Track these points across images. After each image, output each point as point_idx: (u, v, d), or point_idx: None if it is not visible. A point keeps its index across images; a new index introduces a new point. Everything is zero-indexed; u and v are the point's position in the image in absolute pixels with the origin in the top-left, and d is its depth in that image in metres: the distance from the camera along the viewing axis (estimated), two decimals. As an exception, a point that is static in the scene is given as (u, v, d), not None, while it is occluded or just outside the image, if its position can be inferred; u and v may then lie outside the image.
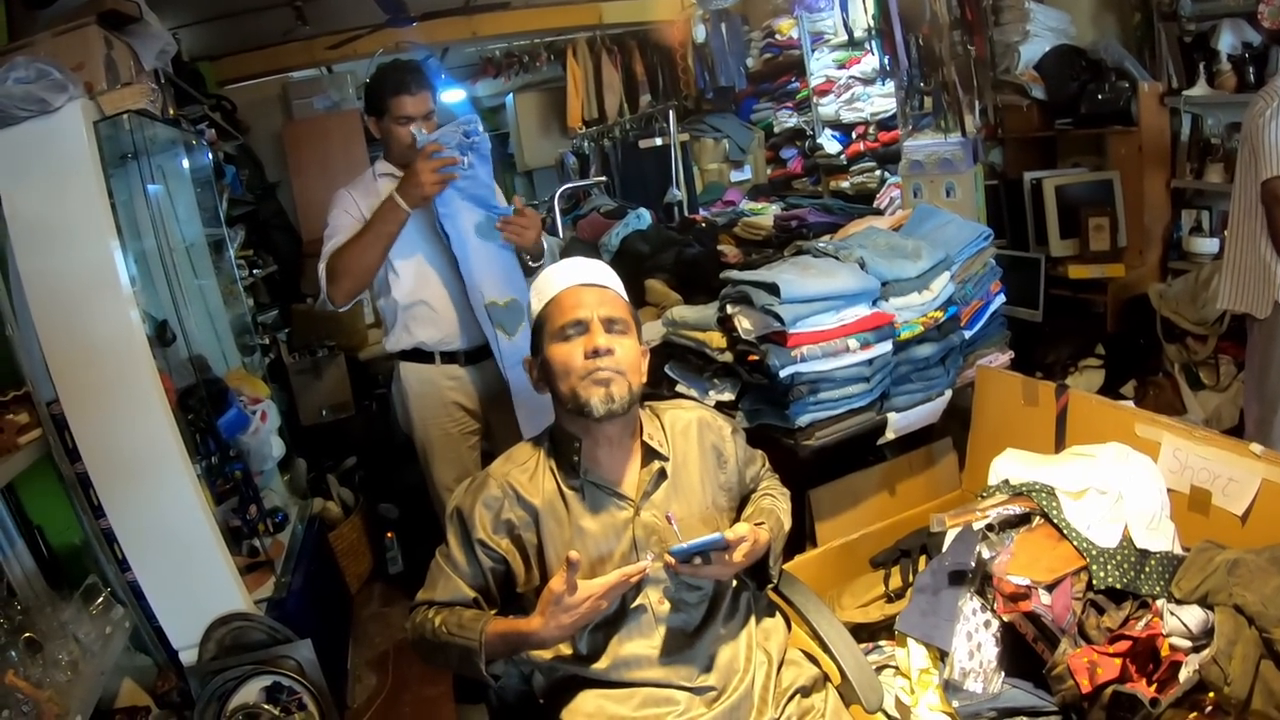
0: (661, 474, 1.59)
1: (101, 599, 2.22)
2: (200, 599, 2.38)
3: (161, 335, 2.53)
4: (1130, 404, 2.28)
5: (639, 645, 1.51)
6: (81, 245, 2.15)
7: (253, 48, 5.21)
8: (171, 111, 2.92)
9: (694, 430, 1.67)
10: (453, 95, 7.22)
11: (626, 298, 1.65)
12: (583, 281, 1.59)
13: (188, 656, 2.38)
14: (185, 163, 3.12)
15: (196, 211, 3.23)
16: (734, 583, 1.61)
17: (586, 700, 1.49)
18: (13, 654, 1.86)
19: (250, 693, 2.36)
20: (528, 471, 1.58)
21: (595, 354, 1.50)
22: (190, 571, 2.36)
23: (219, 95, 4.87)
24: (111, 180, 2.22)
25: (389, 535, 3.97)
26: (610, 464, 1.58)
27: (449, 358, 2.62)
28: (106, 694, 2.16)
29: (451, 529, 1.58)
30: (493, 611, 1.52)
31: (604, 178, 5.72)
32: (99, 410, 2.21)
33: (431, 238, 2.53)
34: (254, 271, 4.43)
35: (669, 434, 1.64)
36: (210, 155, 3.40)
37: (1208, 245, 3.50)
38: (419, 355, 2.63)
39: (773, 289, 2.21)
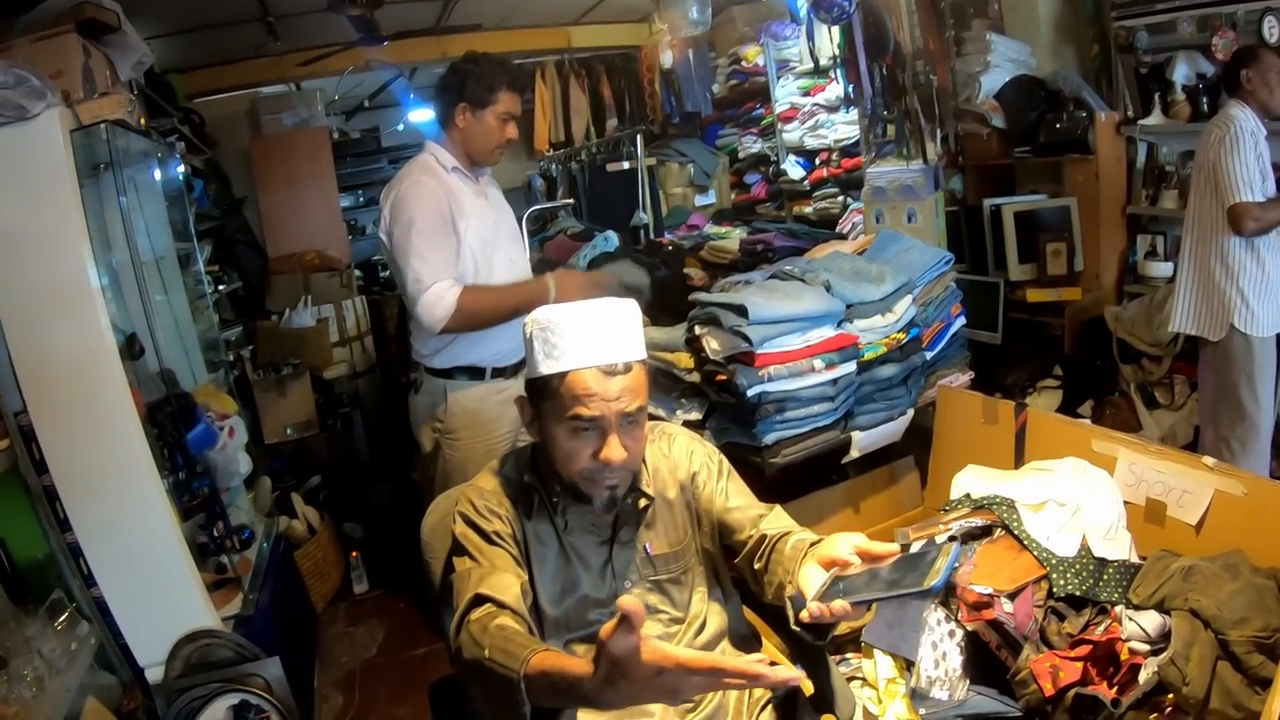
0: (644, 510, 1.54)
1: (66, 615, 2.17)
2: (167, 615, 2.36)
3: (130, 348, 2.51)
4: (1087, 422, 2.35)
5: None
6: (53, 255, 2.14)
7: (224, 61, 5.18)
8: (143, 122, 2.91)
9: (679, 456, 1.61)
10: (420, 115, 7.23)
11: (646, 356, 1.45)
12: (604, 364, 1.36)
13: (154, 674, 2.35)
14: (157, 174, 3.11)
15: (166, 224, 3.21)
16: (708, 603, 1.59)
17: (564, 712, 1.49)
18: (-24, 669, 1.83)
19: (217, 711, 2.33)
20: (513, 485, 1.53)
21: (608, 466, 1.37)
22: (157, 587, 2.34)
23: (188, 109, 4.83)
24: (84, 189, 2.20)
25: (354, 555, 3.95)
26: None
27: (498, 373, 2.56)
28: (70, 713, 2.09)
29: (467, 533, 1.45)
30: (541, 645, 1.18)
31: (571, 200, 5.75)
32: (68, 422, 2.20)
33: (504, 259, 2.55)
34: (219, 287, 4.38)
35: (652, 469, 1.58)
36: (181, 168, 3.38)
37: (1162, 269, 3.63)
38: (469, 373, 2.55)
39: (741, 310, 2.26)
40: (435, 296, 2.34)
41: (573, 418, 1.36)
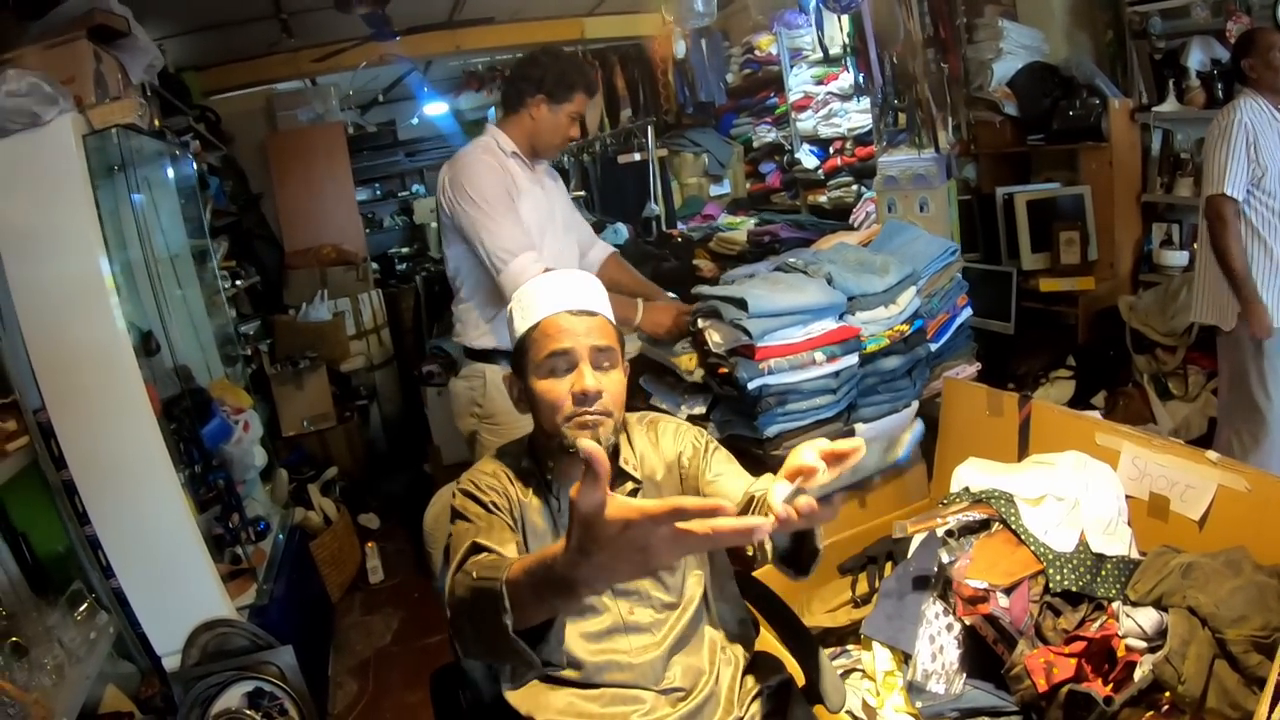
0: (633, 494, 1.56)
1: (86, 605, 2.24)
2: (183, 605, 2.42)
3: (146, 345, 2.56)
4: (1092, 414, 2.34)
5: (608, 653, 1.52)
6: (69, 256, 2.20)
7: (238, 59, 5.22)
8: (156, 123, 2.95)
9: (666, 443, 1.65)
10: (435, 108, 7.27)
11: (613, 316, 1.58)
12: (570, 308, 1.50)
13: (171, 662, 2.41)
14: (170, 173, 3.14)
15: (181, 222, 3.26)
16: (702, 589, 1.61)
17: (557, 697, 1.51)
18: (-1, 658, 1.89)
19: (233, 698, 2.39)
20: (512, 469, 1.58)
21: (584, 397, 1.45)
22: (174, 578, 2.40)
23: (203, 106, 4.89)
24: (98, 191, 2.25)
25: (370, 545, 4.01)
26: None
27: None
28: (90, 700, 2.18)
29: (466, 503, 1.48)
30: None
31: (583, 192, 5.78)
32: (85, 418, 2.26)
33: (552, 250, 2.54)
34: (236, 282, 4.43)
35: (639, 454, 1.62)
36: (195, 166, 3.42)
37: (1178, 258, 3.59)
38: (509, 356, 2.55)
39: (741, 303, 2.27)
40: (520, 269, 2.37)
41: (548, 357, 1.47)
